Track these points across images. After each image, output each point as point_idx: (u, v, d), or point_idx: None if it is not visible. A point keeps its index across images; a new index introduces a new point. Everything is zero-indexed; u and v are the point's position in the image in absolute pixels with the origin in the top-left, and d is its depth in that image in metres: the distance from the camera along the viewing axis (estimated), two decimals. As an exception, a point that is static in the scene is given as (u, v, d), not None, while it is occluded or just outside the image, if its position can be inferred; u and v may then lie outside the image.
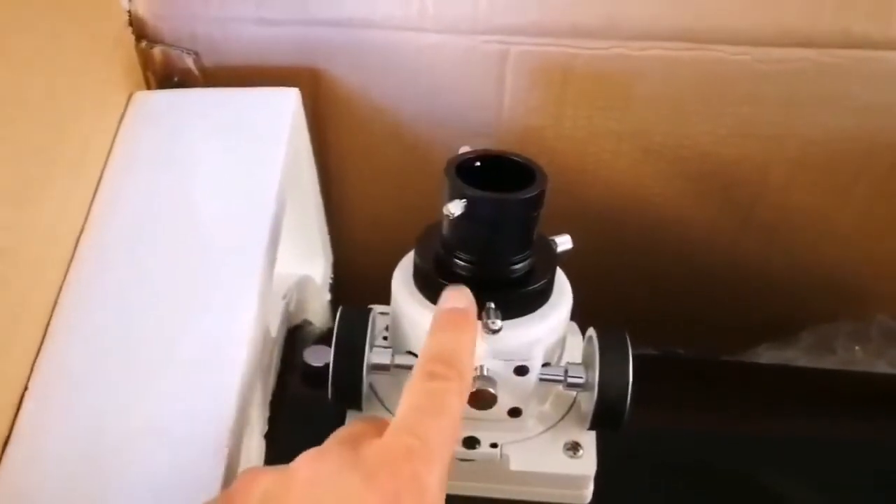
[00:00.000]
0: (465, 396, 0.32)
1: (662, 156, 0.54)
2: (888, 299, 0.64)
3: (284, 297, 0.45)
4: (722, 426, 0.48)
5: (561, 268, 0.41)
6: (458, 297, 0.35)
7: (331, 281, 0.57)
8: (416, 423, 0.30)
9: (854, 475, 0.46)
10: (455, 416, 0.31)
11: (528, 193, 0.36)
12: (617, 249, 0.59)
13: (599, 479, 0.41)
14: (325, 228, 0.56)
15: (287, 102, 0.46)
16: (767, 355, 0.62)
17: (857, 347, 0.63)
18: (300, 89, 0.48)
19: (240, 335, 0.37)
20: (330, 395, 0.38)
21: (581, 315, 0.44)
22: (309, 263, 0.54)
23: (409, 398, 0.31)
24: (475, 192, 0.36)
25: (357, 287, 0.55)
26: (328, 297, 0.57)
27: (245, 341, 0.36)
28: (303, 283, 0.48)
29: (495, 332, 0.36)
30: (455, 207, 0.36)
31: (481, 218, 0.36)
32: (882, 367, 0.63)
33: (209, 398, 0.35)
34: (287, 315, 0.45)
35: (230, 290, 0.38)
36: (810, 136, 0.53)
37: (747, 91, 0.51)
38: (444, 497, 0.29)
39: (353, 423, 0.33)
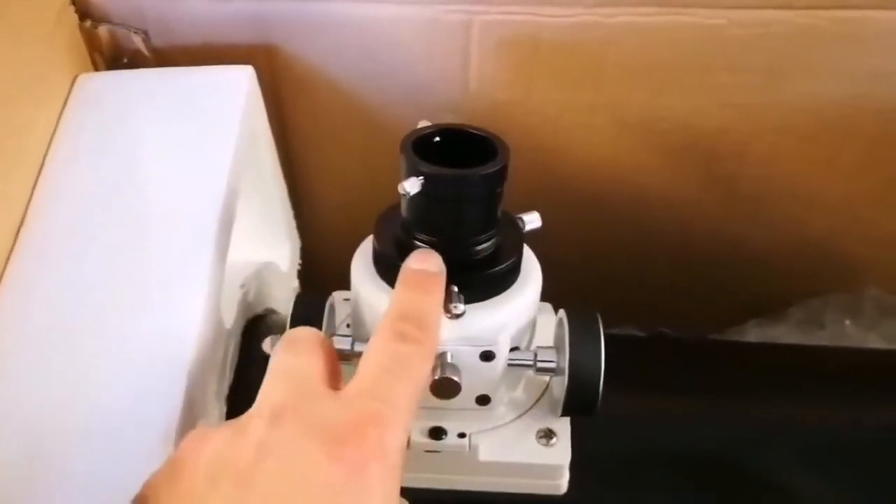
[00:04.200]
0: (431, 362, 0.31)
1: (639, 128, 0.52)
2: (880, 271, 0.62)
3: (242, 286, 0.43)
4: (709, 408, 0.46)
5: (531, 246, 0.39)
6: (427, 259, 0.33)
7: (299, 267, 0.55)
8: (382, 386, 0.28)
9: (847, 454, 0.44)
10: (421, 383, 0.30)
11: (489, 169, 0.34)
12: (596, 227, 0.57)
13: (577, 467, 0.39)
14: (289, 213, 0.53)
15: (240, 81, 0.43)
16: (755, 332, 0.60)
17: (847, 321, 0.61)
18: (256, 67, 0.46)
19: (187, 329, 0.34)
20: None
21: (561, 295, 0.42)
22: (273, 249, 0.52)
23: (374, 357, 0.29)
24: (432, 169, 0.33)
25: (327, 273, 0.53)
26: (296, 283, 0.54)
27: (193, 335, 0.34)
28: (264, 271, 0.46)
29: (458, 316, 0.34)
30: (410, 186, 0.34)
31: (439, 196, 0.34)
32: (874, 340, 0.61)
33: (154, 396, 0.33)
34: (245, 304, 0.43)
35: (176, 281, 0.36)
36: (792, 104, 0.51)
37: (726, 58, 0.49)
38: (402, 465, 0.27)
39: (302, 351, 0.30)
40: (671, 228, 0.57)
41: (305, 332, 0.32)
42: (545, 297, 0.40)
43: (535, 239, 0.40)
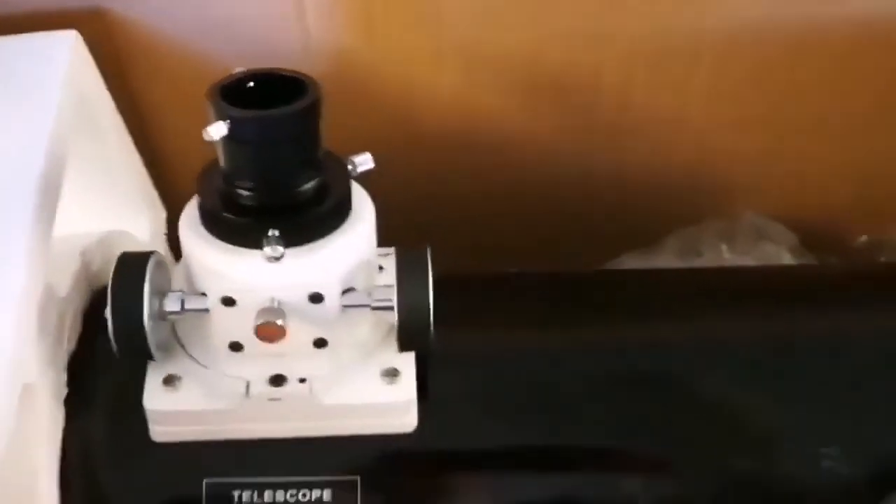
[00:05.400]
0: None
1: (487, 68, 0.52)
2: (749, 194, 0.63)
3: (83, 255, 0.42)
4: (578, 340, 0.46)
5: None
6: None
7: (165, 236, 0.55)
8: None
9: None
10: None
11: (292, 109, 0.34)
12: (461, 171, 0.57)
13: (433, 405, 0.40)
14: (147, 182, 0.52)
15: (62, 46, 0.42)
16: (631, 263, 0.61)
17: (723, 246, 0.62)
18: (89, 32, 0.44)
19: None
20: (115, 350, 0.36)
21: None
22: (130, 219, 0.51)
23: None
24: (235, 112, 0.33)
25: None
26: (165, 252, 0.54)
27: (10, 303, 0.34)
28: (111, 240, 0.45)
29: (277, 259, 0.34)
30: (214, 131, 0.34)
31: (247, 139, 0.34)
32: (750, 263, 0.62)
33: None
34: (90, 273, 0.42)
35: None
36: (638, 31, 0.51)
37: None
38: None
39: None
40: (535, 167, 0.57)
41: None
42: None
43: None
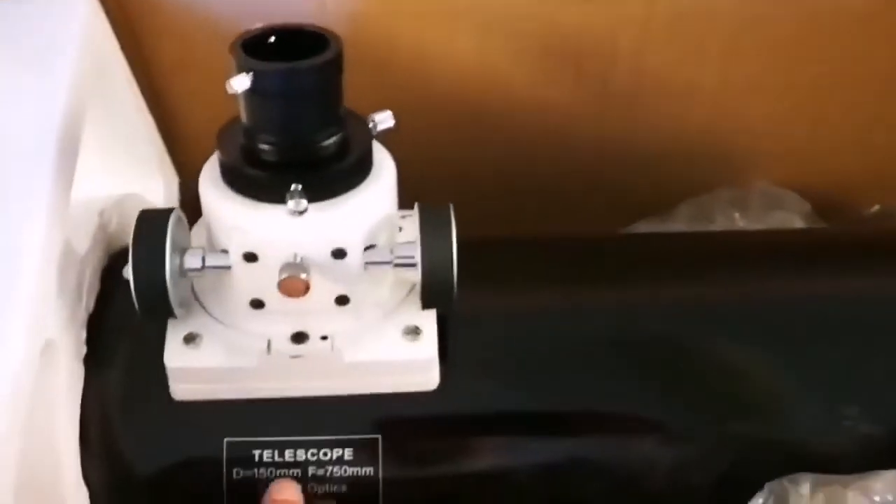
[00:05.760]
0: None
1: (504, 32, 0.51)
2: (766, 163, 0.63)
3: (101, 216, 0.42)
4: (599, 302, 0.46)
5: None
6: (284, 489, 0.36)
7: (178, 202, 0.54)
8: None
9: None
10: None
11: (315, 61, 0.33)
12: (474, 135, 0.56)
13: (454, 364, 0.40)
14: (160, 146, 0.52)
15: (77, 7, 0.42)
16: (644, 230, 0.60)
17: (736, 214, 0.62)
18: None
19: (21, 251, 0.34)
20: (137, 308, 0.36)
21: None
22: (143, 184, 0.51)
23: None
24: (259, 65, 0.33)
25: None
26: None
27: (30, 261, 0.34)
28: (127, 202, 0.45)
29: (301, 213, 0.34)
30: (238, 83, 0.33)
31: (270, 92, 0.34)
32: (762, 230, 0.62)
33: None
34: (107, 234, 0.42)
35: (9, 204, 0.35)
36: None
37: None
38: None
39: None
40: (548, 132, 0.56)
41: None
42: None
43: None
